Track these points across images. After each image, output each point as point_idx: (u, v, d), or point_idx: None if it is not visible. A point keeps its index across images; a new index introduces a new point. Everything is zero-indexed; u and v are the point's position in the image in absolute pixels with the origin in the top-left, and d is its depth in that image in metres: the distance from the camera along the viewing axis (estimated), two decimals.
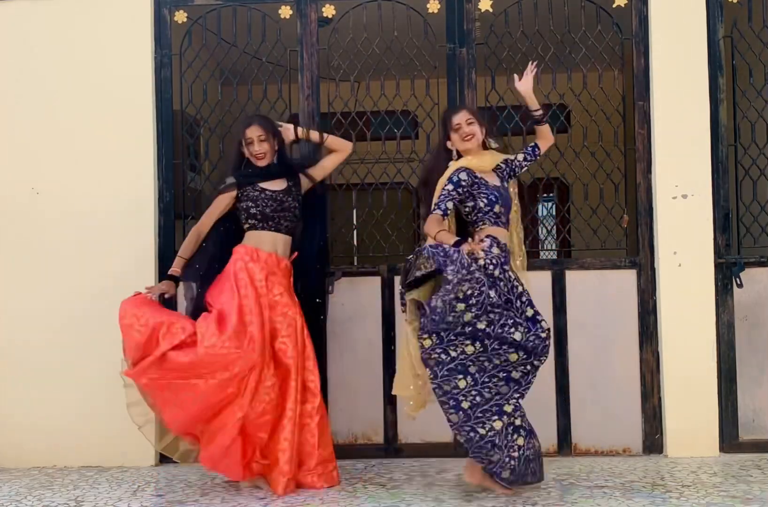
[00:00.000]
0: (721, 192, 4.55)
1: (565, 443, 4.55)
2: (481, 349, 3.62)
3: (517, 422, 3.67)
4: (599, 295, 4.59)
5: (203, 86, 4.82)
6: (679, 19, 4.51)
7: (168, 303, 4.64)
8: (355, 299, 4.63)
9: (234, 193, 4.07)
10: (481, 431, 3.58)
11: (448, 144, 3.91)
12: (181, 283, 4.11)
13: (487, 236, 3.79)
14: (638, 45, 4.61)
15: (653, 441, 4.53)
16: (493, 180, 3.92)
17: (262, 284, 3.95)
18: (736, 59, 4.62)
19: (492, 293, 3.61)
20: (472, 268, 3.55)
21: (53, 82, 4.70)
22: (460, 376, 3.60)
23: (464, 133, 3.86)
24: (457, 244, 3.57)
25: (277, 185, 4.10)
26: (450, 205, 3.76)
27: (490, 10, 4.67)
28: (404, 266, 3.73)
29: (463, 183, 3.78)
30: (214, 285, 3.99)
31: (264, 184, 4.08)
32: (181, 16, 4.77)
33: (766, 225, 4.63)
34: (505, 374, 3.67)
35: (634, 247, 4.69)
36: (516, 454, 3.63)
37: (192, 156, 5.05)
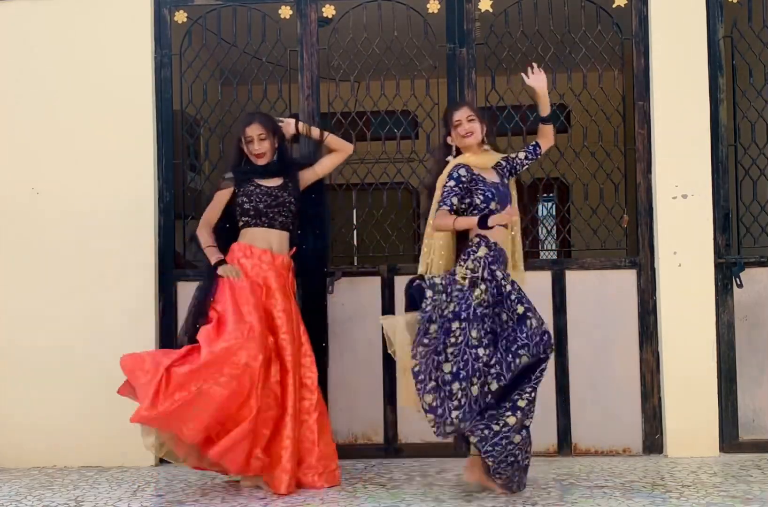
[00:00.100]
0: (721, 192, 4.55)
1: (565, 443, 4.55)
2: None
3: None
4: (599, 295, 4.59)
5: (203, 86, 4.82)
6: (679, 19, 4.52)
7: (168, 303, 4.65)
8: (355, 299, 4.63)
9: (232, 188, 4.07)
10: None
11: (449, 139, 3.92)
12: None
13: (477, 235, 3.78)
14: (638, 45, 4.61)
15: (653, 441, 4.53)
16: (492, 177, 3.91)
17: (257, 279, 3.96)
18: (736, 59, 4.62)
19: (474, 332, 3.63)
20: (453, 293, 3.66)
21: (53, 82, 4.70)
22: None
23: (464, 129, 3.86)
24: (482, 221, 3.62)
25: (274, 182, 4.10)
26: (455, 200, 3.76)
27: (490, 10, 4.67)
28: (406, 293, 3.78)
29: (463, 179, 3.78)
30: (216, 289, 3.98)
31: (260, 181, 4.08)
32: (181, 16, 4.77)
33: (766, 225, 4.63)
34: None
35: (634, 247, 4.69)
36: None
37: (192, 156, 5.05)
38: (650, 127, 4.57)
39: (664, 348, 4.48)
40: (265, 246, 4.03)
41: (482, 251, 3.74)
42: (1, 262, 4.67)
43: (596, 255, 4.72)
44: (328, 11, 4.70)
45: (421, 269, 3.87)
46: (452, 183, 3.77)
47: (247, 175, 4.08)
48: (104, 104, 4.67)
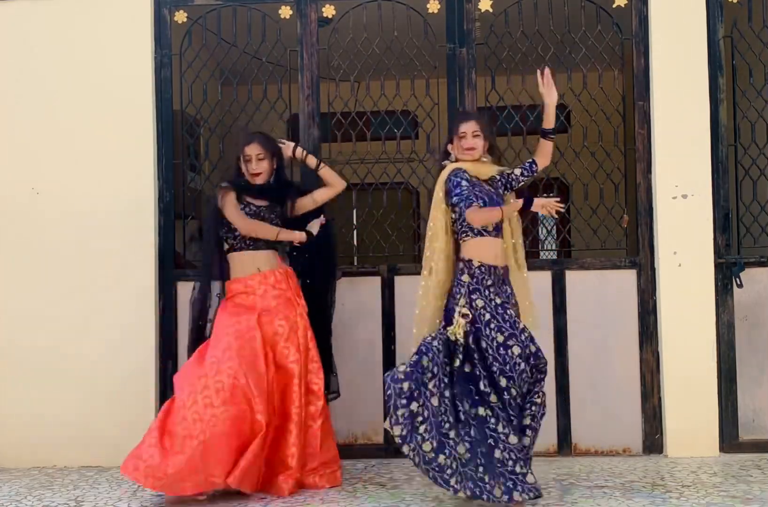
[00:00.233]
0: (721, 192, 4.55)
1: (565, 443, 4.55)
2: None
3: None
4: (599, 295, 4.59)
5: (203, 86, 4.82)
6: (679, 19, 4.52)
7: (168, 303, 4.66)
8: (355, 299, 4.63)
9: (234, 193, 4.04)
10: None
11: (449, 147, 3.89)
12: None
13: (461, 260, 3.74)
14: (638, 45, 4.61)
15: (653, 441, 4.53)
16: (486, 187, 3.88)
17: (254, 301, 3.97)
18: (736, 59, 4.62)
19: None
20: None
21: (53, 82, 4.70)
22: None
23: (467, 144, 3.83)
24: (527, 202, 3.64)
25: (262, 202, 4.08)
26: (475, 192, 3.72)
27: (490, 10, 4.67)
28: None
29: (469, 179, 3.75)
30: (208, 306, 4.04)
31: (251, 199, 4.06)
32: (181, 16, 4.77)
33: (766, 225, 4.63)
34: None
35: (634, 247, 4.69)
36: None
37: (192, 156, 5.05)
38: (650, 127, 4.57)
39: (664, 348, 4.48)
40: (253, 270, 4.01)
41: (465, 278, 3.72)
42: (1, 262, 4.67)
43: (596, 255, 4.72)
44: (328, 11, 4.70)
45: (424, 273, 3.82)
46: (464, 183, 3.71)
47: (241, 192, 4.04)
48: (104, 104, 4.67)
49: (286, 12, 4.72)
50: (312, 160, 4.26)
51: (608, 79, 4.72)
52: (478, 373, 3.62)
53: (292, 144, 4.27)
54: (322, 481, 3.99)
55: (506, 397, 3.58)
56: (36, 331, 4.61)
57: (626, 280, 4.59)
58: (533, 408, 3.67)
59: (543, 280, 4.55)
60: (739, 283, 4.48)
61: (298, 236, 4.05)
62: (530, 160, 3.95)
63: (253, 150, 4.03)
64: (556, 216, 3.74)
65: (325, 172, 4.25)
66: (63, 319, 4.60)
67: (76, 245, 4.63)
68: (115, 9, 4.70)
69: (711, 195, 4.50)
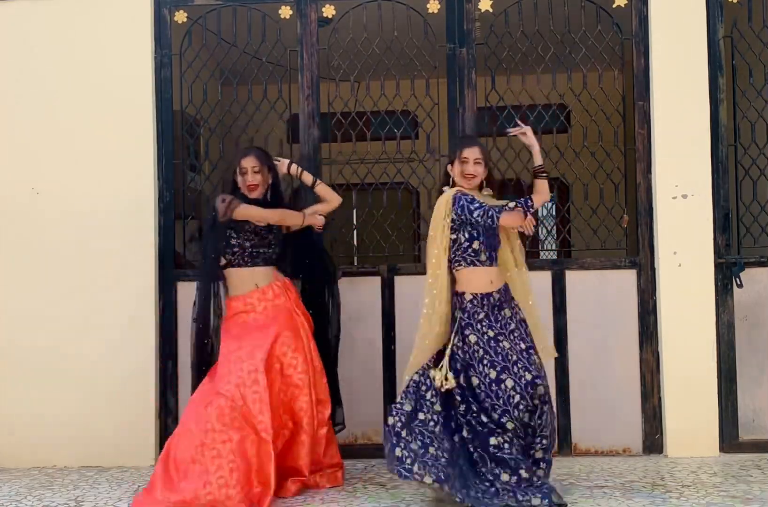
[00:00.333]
0: (721, 192, 4.55)
1: (565, 443, 4.55)
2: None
3: None
4: (599, 295, 4.59)
5: (203, 86, 4.82)
6: (679, 19, 4.51)
7: (168, 303, 4.65)
8: (355, 299, 4.63)
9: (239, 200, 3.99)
10: None
11: (449, 168, 3.87)
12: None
13: (455, 294, 3.74)
14: (638, 45, 4.61)
15: (653, 441, 4.53)
16: None
17: (255, 319, 3.95)
18: (736, 59, 4.62)
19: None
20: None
21: (53, 82, 4.70)
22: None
23: (467, 171, 3.80)
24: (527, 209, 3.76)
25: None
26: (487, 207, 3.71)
27: (490, 10, 4.67)
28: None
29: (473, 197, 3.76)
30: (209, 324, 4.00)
31: None
32: (181, 16, 4.77)
33: (766, 225, 4.63)
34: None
35: (634, 247, 4.69)
36: None
37: (192, 156, 5.05)
38: (650, 127, 4.57)
39: (664, 348, 4.48)
40: (251, 287, 3.98)
41: (457, 314, 3.73)
42: (1, 262, 4.67)
43: (596, 255, 4.72)
44: (328, 11, 4.70)
45: (426, 301, 3.76)
46: (475, 202, 3.69)
47: (244, 201, 4.00)
48: (104, 104, 4.67)
49: (286, 12, 4.72)
50: (307, 177, 4.24)
51: (608, 79, 4.72)
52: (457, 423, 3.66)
53: (287, 161, 4.25)
54: (323, 480, 4.01)
55: (506, 427, 3.57)
56: (36, 331, 4.61)
57: (626, 280, 4.59)
58: (543, 441, 3.68)
59: (543, 280, 4.55)
60: (739, 283, 4.48)
61: (321, 220, 4.15)
62: (527, 197, 3.84)
63: (249, 163, 4.01)
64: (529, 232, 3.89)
65: (321, 188, 4.25)
66: (63, 319, 4.60)
67: (76, 245, 4.63)
68: (115, 9, 4.70)
69: (711, 195, 4.50)
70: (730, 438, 4.49)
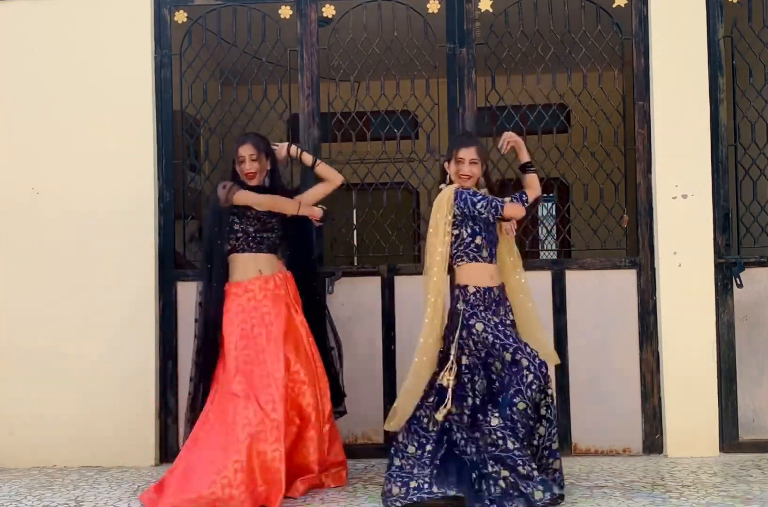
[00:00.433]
0: (721, 192, 4.55)
1: (565, 443, 4.54)
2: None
3: None
4: (599, 295, 4.59)
5: (203, 86, 4.82)
6: (679, 19, 4.51)
7: (168, 303, 4.65)
8: (355, 299, 4.63)
9: (239, 186, 4.00)
10: None
11: (446, 165, 3.88)
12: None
13: (457, 286, 3.76)
14: (638, 45, 4.61)
15: (653, 441, 4.53)
16: None
17: (258, 312, 3.93)
18: (736, 59, 4.62)
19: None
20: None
21: (53, 82, 4.70)
22: None
23: (463, 171, 3.82)
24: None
25: None
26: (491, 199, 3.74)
27: (490, 10, 4.67)
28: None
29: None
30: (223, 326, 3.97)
31: None
32: (181, 16, 4.77)
33: (766, 225, 4.63)
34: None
35: (634, 247, 4.69)
36: None
37: (192, 156, 5.05)
38: (650, 127, 4.57)
39: (664, 348, 4.48)
40: (254, 273, 3.99)
41: (460, 306, 3.74)
42: (1, 262, 4.67)
43: (596, 255, 4.72)
44: (328, 11, 4.70)
45: (428, 311, 3.75)
46: (478, 196, 3.72)
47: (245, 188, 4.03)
48: (104, 104, 4.67)
49: (286, 12, 4.72)
50: (307, 158, 4.26)
51: (608, 79, 4.72)
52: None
53: (285, 144, 4.26)
54: (328, 480, 4.02)
55: (514, 409, 3.55)
56: (36, 331, 4.61)
57: (626, 280, 4.59)
58: (546, 452, 3.69)
59: (543, 280, 4.54)
60: (739, 283, 4.48)
61: (317, 211, 4.09)
62: (521, 192, 3.94)
63: (246, 151, 4.02)
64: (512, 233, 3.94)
65: (322, 168, 4.25)
66: (63, 319, 4.60)
67: (76, 245, 4.63)
68: (115, 9, 4.70)
69: (711, 195, 4.49)
70: (730, 438, 4.49)
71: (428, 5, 4.68)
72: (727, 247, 4.55)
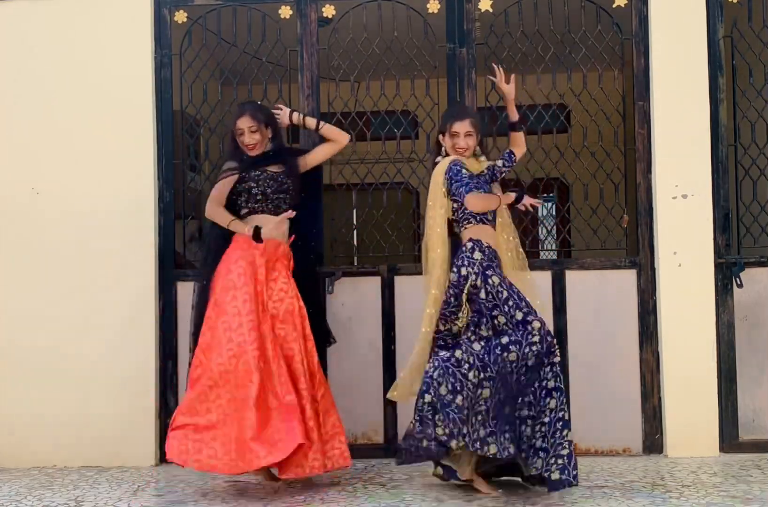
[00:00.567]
0: (721, 192, 4.55)
1: None
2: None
3: None
4: (599, 295, 4.59)
5: (203, 86, 4.82)
6: (679, 19, 4.51)
7: (168, 303, 4.65)
8: (355, 299, 4.63)
9: (236, 177, 4.02)
10: None
11: (440, 138, 3.92)
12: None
13: (470, 240, 3.79)
14: (638, 45, 4.61)
15: (653, 441, 4.53)
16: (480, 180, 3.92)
17: (261, 270, 3.94)
18: (736, 59, 4.62)
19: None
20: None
21: (53, 82, 4.70)
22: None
23: (459, 145, 3.87)
24: (518, 197, 3.80)
25: (277, 167, 4.09)
26: (473, 182, 3.76)
27: (490, 10, 4.67)
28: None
29: (466, 169, 3.80)
30: (216, 278, 3.96)
31: (264, 166, 4.07)
32: (181, 16, 4.77)
33: (766, 225, 4.63)
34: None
35: (634, 247, 4.69)
36: None
37: (192, 156, 5.05)
38: (650, 127, 4.57)
39: (664, 348, 4.48)
40: (268, 234, 3.97)
41: (477, 255, 3.75)
42: (1, 262, 4.67)
43: (596, 255, 4.72)
44: (328, 11, 4.70)
45: (426, 280, 3.83)
46: (464, 171, 3.77)
47: (246, 165, 4.04)
48: (104, 104, 4.67)
49: (286, 12, 4.72)
50: (311, 122, 4.28)
51: (608, 79, 4.72)
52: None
53: (288, 110, 4.28)
54: (330, 462, 3.94)
55: (505, 355, 3.60)
56: (36, 331, 4.61)
57: (626, 280, 4.59)
58: (560, 424, 3.76)
59: (543, 280, 4.54)
60: (739, 283, 4.48)
61: (248, 231, 3.94)
62: (508, 151, 4.04)
63: (244, 123, 4.03)
64: (532, 210, 3.96)
65: (327, 129, 4.26)
66: (63, 319, 4.60)
67: (76, 245, 4.63)
68: (115, 9, 4.70)
69: (711, 195, 4.49)
70: (730, 438, 4.49)
71: (428, 5, 4.68)
72: (727, 247, 4.55)
